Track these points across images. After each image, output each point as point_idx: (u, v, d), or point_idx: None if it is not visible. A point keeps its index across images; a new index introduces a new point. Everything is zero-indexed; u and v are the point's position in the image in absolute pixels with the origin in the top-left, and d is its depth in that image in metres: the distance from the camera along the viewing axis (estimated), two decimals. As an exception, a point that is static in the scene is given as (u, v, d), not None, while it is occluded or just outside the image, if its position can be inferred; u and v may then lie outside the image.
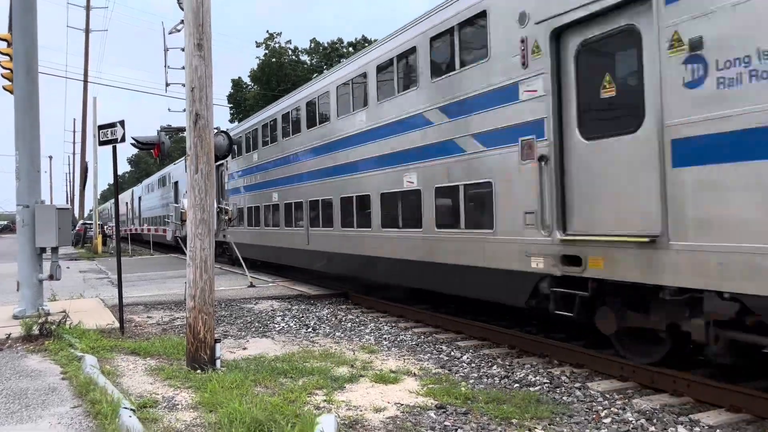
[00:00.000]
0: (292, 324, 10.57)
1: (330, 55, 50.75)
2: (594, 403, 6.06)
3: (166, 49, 16.22)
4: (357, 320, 10.92)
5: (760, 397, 5.55)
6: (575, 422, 5.52)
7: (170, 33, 15.74)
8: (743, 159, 5.23)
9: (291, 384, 6.56)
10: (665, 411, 5.76)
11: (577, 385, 6.67)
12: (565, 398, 6.24)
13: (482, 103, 8.46)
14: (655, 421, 5.51)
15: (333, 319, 10.98)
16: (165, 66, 17.45)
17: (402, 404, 5.99)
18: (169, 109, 32.43)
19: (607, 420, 5.56)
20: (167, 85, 17.65)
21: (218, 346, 7.21)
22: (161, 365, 7.45)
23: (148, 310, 12.09)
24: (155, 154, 12.81)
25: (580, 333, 8.34)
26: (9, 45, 11.15)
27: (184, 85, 7.66)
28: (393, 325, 10.46)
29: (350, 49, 49.96)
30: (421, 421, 5.52)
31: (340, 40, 51.95)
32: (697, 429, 5.29)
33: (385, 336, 9.54)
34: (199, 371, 6.93)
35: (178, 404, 5.93)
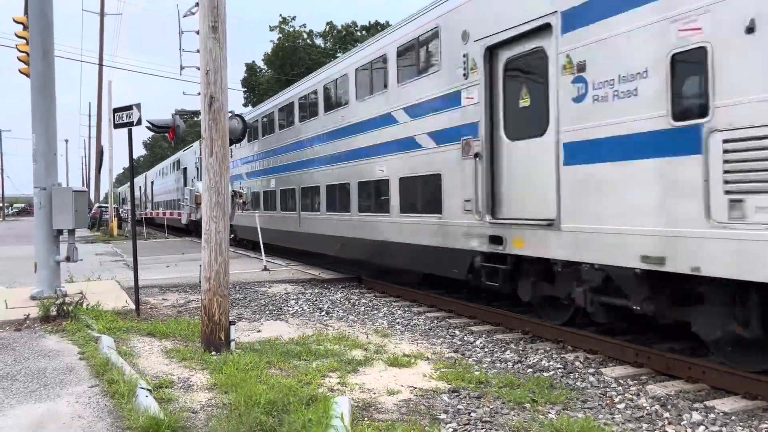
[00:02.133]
0: (305, 307, 10.63)
1: (345, 38, 50.48)
2: (608, 389, 6.04)
3: (180, 32, 16.20)
4: (370, 304, 10.95)
5: (776, 385, 5.50)
6: (589, 407, 5.51)
7: (185, 16, 15.74)
8: (606, 161, 6.66)
9: (305, 366, 6.61)
10: (680, 397, 5.74)
11: (591, 370, 6.66)
12: (578, 384, 6.23)
13: (435, 106, 9.91)
14: (669, 407, 5.49)
15: (346, 303, 11.03)
16: (180, 49, 17.45)
17: (415, 387, 6.01)
18: (183, 93, 32.75)
19: (621, 405, 5.55)
20: (182, 68, 17.65)
21: (233, 328, 7.27)
22: (177, 347, 7.53)
23: (163, 293, 12.20)
24: (170, 137, 12.85)
25: (592, 321, 8.30)
26: (25, 28, 11.18)
27: (198, 69, 7.65)
28: (406, 309, 10.48)
29: (363, 32, 49.65)
30: (434, 404, 5.54)
31: (354, 24, 51.61)
32: (712, 416, 5.27)
33: (398, 320, 9.56)
34: (214, 353, 6.99)
35: (193, 385, 5.99)
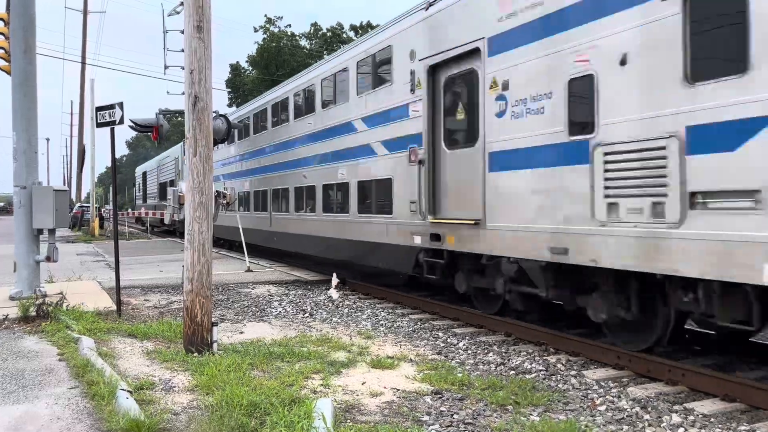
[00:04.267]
0: (289, 309, 10.59)
1: (331, 40, 50.40)
2: (589, 391, 6.09)
3: (165, 31, 16.08)
4: (354, 306, 10.94)
5: (754, 387, 5.58)
6: (570, 409, 5.54)
7: (169, 15, 15.63)
8: (520, 168, 7.66)
9: (288, 368, 6.58)
10: (660, 399, 5.79)
11: (573, 372, 6.70)
12: (560, 386, 6.27)
13: (388, 117, 10.85)
14: (649, 409, 5.54)
15: (330, 305, 11.00)
16: (164, 48, 17.32)
17: (398, 389, 6.01)
18: (167, 92, 32.33)
19: (603, 407, 5.59)
20: (166, 67, 17.50)
21: (215, 329, 7.22)
22: (158, 348, 7.46)
23: (145, 293, 12.09)
24: (153, 136, 12.75)
25: (576, 322, 8.36)
26: (6, 24, 11.05)
27: (183, 68, 7.60)
28: (390, 311, 10.48)
29: (351, 33, 49.60)
30: (417, 406, 5.54)
31: (341, 25, 51.55)
32: (691, 417, 5.32)
33: (382, 322, 9.56)
34: (196, 354, 6.94)
35: (174, 386, 5.94)
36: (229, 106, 51.44)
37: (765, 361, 6.75)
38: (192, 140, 7.21)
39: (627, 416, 5.38)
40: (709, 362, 6.72)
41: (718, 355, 7.03)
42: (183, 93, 7.61)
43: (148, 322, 9.00)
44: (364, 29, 47.98)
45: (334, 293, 10.07)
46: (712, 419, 5.30)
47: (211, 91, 7.33)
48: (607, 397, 5.90)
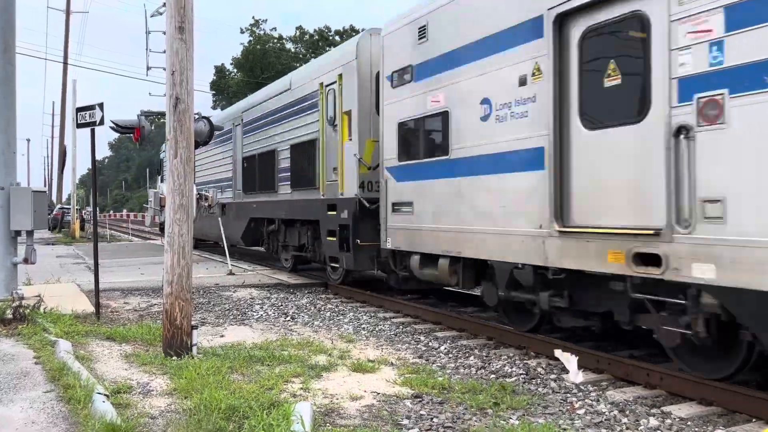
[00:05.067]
0: (270, 312, 10.54)
1: (317, 43, 50.37)
2: (569, 395, 6.12)
3: (147, 32, 15.98)
4: (336, 310, 10.91)
5: (731, 391, 5.64)
6: (550, 413, 5.57)
7: (152, 16, 15.53)
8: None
9: (268, 372, 6.54)
10: (638, 403, 5.84)
11: (553, 376, 6.73)
12: (540, 389, 6.30)
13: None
14: (627, 412, 5.58)
15: (312, 308, 10.97)
16: (147, 49, 17.19)
17: (379, 393, 6.00)
18: (150, 94, 31.76)
19: (581, 411, 5.62)
20: (148, 68, 17.37)
21: (195, 332, 7.16)
22: (137, 351, 7.39)
23: (125, 296, 11.97)
24: (135, 138, 12.64)
25: (557, 327, 8.40)
26: (-15, 23, 10.88)
27: (165, 69, 7.55)
28: (372, 315, 10.47)
29: (337, 37, 49.61)
30: (397, 409, 5.54)
31: (328, 28, 51.58)
32: (668, 421, 5.37)
33: (363, 326, 9.54)
34: (175, 358, 6.88)
35: (152, 390, 5.89)
36: (214, 108, 51.20)
37: (741, 366, 6.81)
38: (173, 142, 7.16)
39: (605, 420, 5.42)
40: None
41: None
42: (165, 94, 7.56)
43: (128, 325, 8.91)
44: (348, 33, 48.01)
45: (577, 375, 6.44)
46: (688, 422, 5.35)
47: (192, 92, 7.29)
48: (586, 400, 5.93)
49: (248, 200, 16.39)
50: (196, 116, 13.18)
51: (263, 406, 5.14)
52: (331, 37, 50.39)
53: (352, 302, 11.78)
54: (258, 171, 15.63)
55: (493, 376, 6.79)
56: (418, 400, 5.81)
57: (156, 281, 12.85)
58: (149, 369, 6.59)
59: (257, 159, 15.67)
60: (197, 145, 12.94)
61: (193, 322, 7.23)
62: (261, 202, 15.54)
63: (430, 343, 8.35)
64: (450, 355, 7.70)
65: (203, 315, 10.16)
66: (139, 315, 10.12)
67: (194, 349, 7.10)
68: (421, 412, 5.47)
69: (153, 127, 13.46)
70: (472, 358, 7.58)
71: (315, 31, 51.54)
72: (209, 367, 6.39)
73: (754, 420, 5.31)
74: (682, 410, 5.59)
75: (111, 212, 47.97)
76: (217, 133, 14.81)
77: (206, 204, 13.76)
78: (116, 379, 6.20)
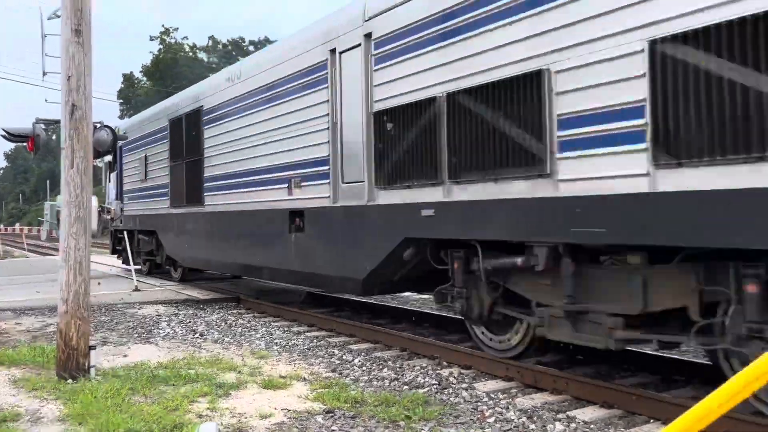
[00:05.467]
0: (178, 329, 10.11)
1: (231, 53, 49.51)
2: (479, 403, 6.18)
3: (43, 36, 15.07)
4: (248, 325, 10.61)
5: (630, 393, 5.88)
6: (461, 422, 5.60)
7: (49, 18, 14.67)
8: None
9: (173, 392, 6.23)
10: (545, 409, 5.98)
11: (464, 386, 6.79)
12: (452, 399, 6.33)
13: None
14: (535, 419, 5.70)
15: (223, 324, 10.61)
16: (42, 54, 16.19)
17: (290, 410, 5.84)
18: (46, 100, 29.68)
19: (492, 419, 5.69)
20: (44, 73, 16.35)
21: (93, 353, 6.75)
22: (27, 375, 6.87)
23: (17, 316, 11.16)
24: (29, 147, 11.85)
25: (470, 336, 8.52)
26: None
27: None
28: (285, 329, 10.25)
29: (251, 47, 48.98)
30: (308, 426, 5.40)
31: (242, 39, 50.86)
32: (573, 425, 5.52)
33: (276, 341, 9.32)
34: (70, 381, 6.44)
35: (43, 417, 5.47)
36: (121, 117, 49.10)
37: (641, 368, 7.15)
38: (69, 151, 6.75)
39: (514, 427, 5.50)
40: (590, 371, 7.04)
41: (600, 363, 7.38)
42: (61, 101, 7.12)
43: (18, 348, 8.28)
44: (263, 44, 47.54)
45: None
46: (592, 426, 5.52)
47: (91, 98, 6.91)
48: (496, 408, 6.01)
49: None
50: (98, 125, 12.53)
51: (166, 428, 4.89)
52: (245, 48, 49.71)
53: (264, 317, 11.50)
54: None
55: (406, 387, 6.77)
56: (330, 415, 5.70)
57: (53, 300, 11.97)
58: (40, 394, 6.12)
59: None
60: (99, 155, 12.31)
61: (92, 342, 6.82)
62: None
63: (344, 356, 8.25)
64: (364, 368, 7.63)
65: (105, 334, 9.61)
66: (33, 336, 9.45)
67: (92, 370, 6.68)
68: (333, 428, 5.36)
69: (53, 136, 12.68)
70: (385, 369, 7.54)
71: (229, 40, 50.72)
72: (108, 390, 6.02)
73: (652, 421, 5.55)
74: (586, 414, 5.77)
75: (2, 226, 44.80)
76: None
77: (108, 217, 13.08)
78: (2, 407, 5.72)
